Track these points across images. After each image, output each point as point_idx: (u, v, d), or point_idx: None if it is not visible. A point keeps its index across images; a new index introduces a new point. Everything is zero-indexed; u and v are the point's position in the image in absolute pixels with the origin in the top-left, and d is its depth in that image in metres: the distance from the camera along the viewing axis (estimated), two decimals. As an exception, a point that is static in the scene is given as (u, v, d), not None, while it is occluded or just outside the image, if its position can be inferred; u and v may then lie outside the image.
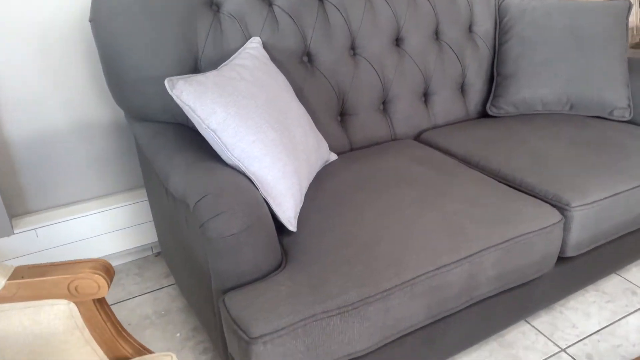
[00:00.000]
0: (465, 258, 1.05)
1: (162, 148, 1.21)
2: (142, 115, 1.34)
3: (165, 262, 1.88)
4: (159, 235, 1.66)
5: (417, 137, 1.66)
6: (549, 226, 1.15)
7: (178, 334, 1.53)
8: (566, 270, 1.32)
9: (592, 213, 1.19)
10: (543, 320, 1.55)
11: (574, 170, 1.29)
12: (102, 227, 1.69)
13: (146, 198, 1.73)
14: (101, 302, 0.84)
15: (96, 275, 0.79)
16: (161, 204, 1.39)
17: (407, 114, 1.63)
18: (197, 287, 1.22)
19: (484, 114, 1.76)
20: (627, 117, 1.59)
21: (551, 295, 1.35)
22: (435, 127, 1.68)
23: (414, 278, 1.00)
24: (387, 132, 1.60)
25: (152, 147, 1.25)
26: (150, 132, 1.31)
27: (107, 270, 0.82)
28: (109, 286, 0.81)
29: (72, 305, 0.81)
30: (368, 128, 1.57)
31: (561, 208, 1.19)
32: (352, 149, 1.55)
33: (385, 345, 1.07)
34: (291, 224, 1.10)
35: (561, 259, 1.28)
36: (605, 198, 1.20)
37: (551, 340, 1.47)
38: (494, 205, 1.18)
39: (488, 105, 1.71)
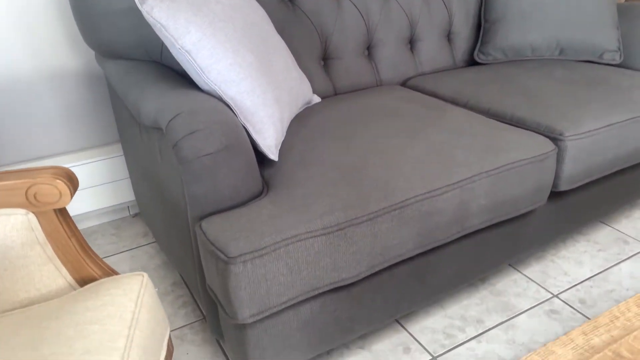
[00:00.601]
0: (456, 183, 1.00)
1: (134, 84, 1.14)
2: (114, 52, 1.26)
3: (143, 221, 1.81)
4: (135, 192, 1.58)
5: (404, 84, 1.60)
6: (542, 155, 1.10)
7: (156, 289, 1.46)
8: (559, 209, 1.27)
9: (585, 144, 1.15)
10: (534, 269, 1.51)
11: (567, 105, 1.24)
12: (76, 183, 1.61)
13: (122, 153, 1.66)
14: (64, 215, 0.77)
15: (57, 181, 0.72)
16: (136, 151, 1.32)
17: (392, 61, 1.57)
18: (175, 233, 1.15)
19: (471, 63, 1.71)
20: (617, 60, 1.55)
21: (543, 236, 1.31)
22: (421, 75, 1.62)
23: (403, 201, 0.95)
24: (373, 78, 1.54)
25: (124, 84, 1.17)
26: (122, 69, 1.23)
27: (70, 178, 0.75)
28: (71, 195, 0.74)
29: (32, 216, 0.74)
30: (353, 73, 1.51)
31: (554, 138, 1.14)
32: (336, 94, 1.49)
33: (373, 275, 1.02)
34: (272, 153, 1.04)
35: (554, 195, 1.24)
36: (599, 128, 1.16)
37: (543, 287, 1.43)
38: (485, 136, 1.13)
39: (476, 52, 1.66)
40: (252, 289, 0.84)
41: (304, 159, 1.06)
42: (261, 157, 1.10)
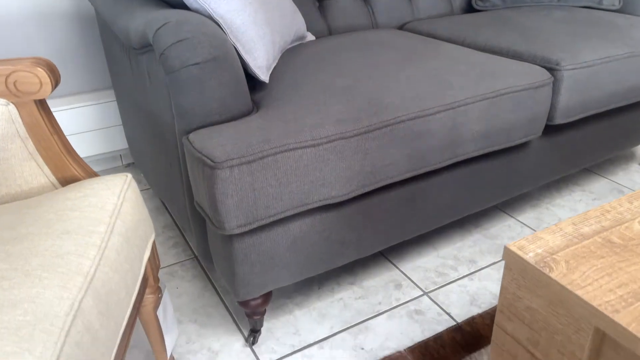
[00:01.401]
0: (449, 104, 0.98)
1: (124, 10, 1.11)
2: (103, -18, 1.24)
3: (136, 170, 1.79)
4: (128, 139, 1.56)
5: (400, 28, 1.58)
6: (538, 83, 1.08)
7: (147, 231, 1.44)
8: (554, 146, 1.26)
9: (582, 75, 1.13)
10: (529, 215, 1.50)
11: (565, 40, 1.22)
12: (66, 128, 1.59)
13: (114, 99, 1.63)
14: (46, 111, 0.75)
15: (38, 69, 0.70)
16: (126, 88, 1.30)
17: (389, 5, 1.55)
18: (163, 159, 1.13)
19: (469, 10, 1.68)
20: (617, 5, 1.53)
21: (538, 175, 1.29)
22: (418, 20, 1.60)
23: (394, 118, 0.93)
24: (368, 21, 1.52)
25: (113, 11, 1.15)
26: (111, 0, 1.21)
27: (51, 69, 0.73)
28: (52, 86, 0.72)
29: (12, 108, 0.72)
30: (348, 15, 1.49)
31: (551, 68, 1.12)
32: (331, 35, 1.47)
33: (364, 197, 1.00)
34: (262, 74, 1.02)
35: (550, 129, 1.22)
36: (597, 60, 1.14)
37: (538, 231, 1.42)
38: (480, 64, 1.11)
39: (473, -1, 1.63)
40: (239, 197, 0.83)
41: (295, 82, 1.04)
42: (252, 84, 1.08)
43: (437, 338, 1.09)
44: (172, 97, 0.90)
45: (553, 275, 0.57)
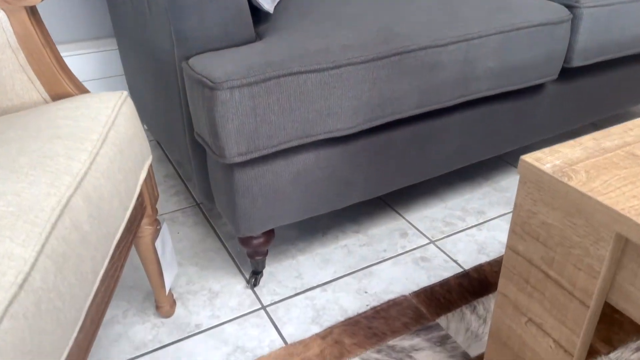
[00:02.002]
0: (462, 35, 0.94)
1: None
2: None
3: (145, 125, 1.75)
4: (130, 87, 1.52)
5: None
6: (556, 19, 1.03)
7: (149, 180, 1.42)
8: (569, 92, 1.21)
9: (602, 14, 1.07)
10: (540, 170, 1.45)
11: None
12: (68, 77, 1.55)
13: (116, 47, 1.59)
14: (38, 22, 0.71)
15: (27, -29, 0.66)
16: (127, 29, 1.25)
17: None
18: (163, 94, 1.10)
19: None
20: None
21: (549, 123, 1.24)
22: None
23: (404, 47, 0.89)
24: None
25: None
26: None
27: (42, -26, 0.69)
28: (44, -8, 0.68)
29: (2, 15, 0.68)
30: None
31: (570, 6, 1.07)
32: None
33: (371, 133, 0.96)
34: (267, 3, 0.98)
35: (566, 73, 1.17)
36: (618, -1, 1.09)
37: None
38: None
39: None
40: (240, 122, 0.79)
41: (301, 12, 1.00)
42: (257, 18, 1.04)
43: (444, 284, 1.06)
44: (172, 23, 0.86)
45: (572, 183, 0.54)
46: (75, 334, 0.51)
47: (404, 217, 1.25)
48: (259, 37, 0.94)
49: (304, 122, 0.85)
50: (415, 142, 1.03)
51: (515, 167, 1.45)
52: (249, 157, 0.83)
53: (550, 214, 0.57)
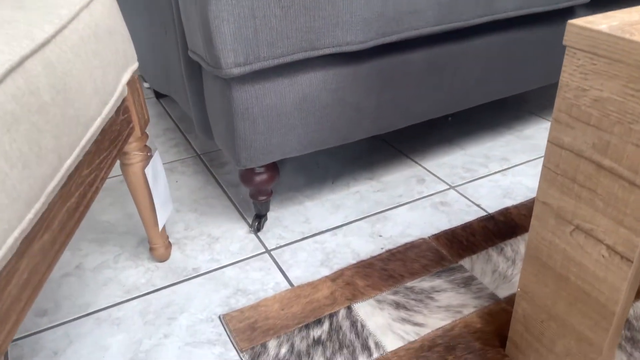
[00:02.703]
0: (486, -59, 0.84)
1: None
2: None
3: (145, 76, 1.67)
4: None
5: None
6: None
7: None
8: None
9: None
10: (567, 120, 1.35)
11: None
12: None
13: None
14: None
15: None
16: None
17: None
18: (159, 36, 1.01)
19: None
20: None
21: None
22: None
23: (422, -50, 0.79)
24: None
25: None
26: None
27: None
28: None
29: None
30: None
31: None
32: None
33: (384, 52, 0.87)
34: None
35: (597, 2, 1.07)
36: None
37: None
38: None
39: None
40: (237, 25, 0.70)
41: None
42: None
43: (466, 227, 0.96)
44: None
45: (637, 38, 0.44)
46: (31, 216, 0.42)
47: (420, 165, 1.16)
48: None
49: (309, 30, 0.75)
50: (433, 69, 0.93)
51: (540, 116, 1.34)
52: (248, 69, 0.74)
53: (606, 85, 0.47)
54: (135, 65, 0.70)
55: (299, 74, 0.80)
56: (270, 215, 1.01)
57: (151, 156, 0.80)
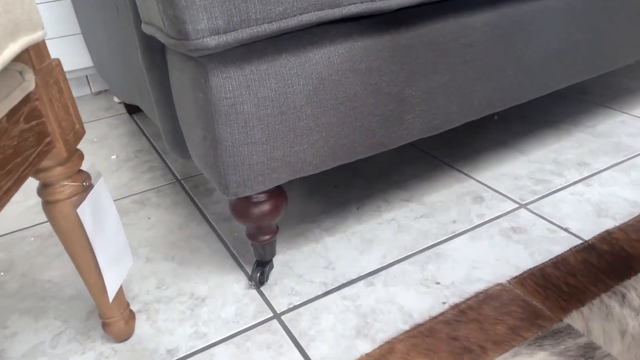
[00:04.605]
0: None
1: None
2: None
3: (109, 95, 1.38)
4: (88, 45, 1.17)
5: None
6: None
7: (114, 156, 1.05)
8: None
9: None
10: (645, 109, 1.07)
11: None
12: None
13: (71, -2, 1.25)
14: None
15: None
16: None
17: None
18: (115, 24, 0.74)
19: None
20: None
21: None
22: None
23: None
24: None
25: None
26: None
27: None
28: None
29: None
30: None
31: None
32: None
33: (433, 7, 0.59)
34: None
35: None
36: None
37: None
38: None
39: None
40: (210, -36, 0.43)
41: None
42: None
43: (559, 262, 0.67)
44: None
45: None
46: None
47: (472, 177, 0.87)
48: None
49: (326, -25, 0.47)
50: (500, 37, 0.65)
51: (611, 108, 1.06)
52: (231, 39, 0.46)
53: None
54: (40, 34, 0.42)
55: (312, 48, 0.52)
56: (277, 259, 0.72)
57: (90, 187, 0.52)
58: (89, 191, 0.51)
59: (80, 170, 0.52)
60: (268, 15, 0.47)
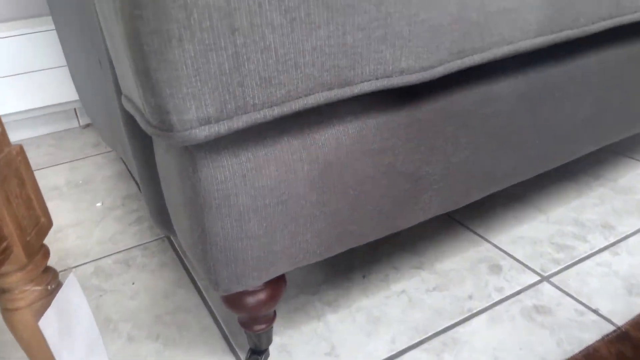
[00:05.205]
0: None
1: None
2: None
3: (96, 129, 1.32)
4: (74, 77, 1.10)
5: None
6: None
7: (99, 204, 0.98)
8: None
9: None
10: (668, 161, 1.01)
11: None
12: (-6, 70, 1.13)
13: (53, 27, 1.18)
14: None
15: None
16: (65, 10, 0.84)
17: None
18: (96, 74, 0.67)
19: None
20: None
21: None
22: None
23: None
24: None
25: None
26: None
27: None
28: None
29: None
30: None
31: None
32: None
33: (455, 77, 0.52)
34: None
35: None
36: None
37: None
38: None
39: None
40: (202, 46, 0.36)
41: None
42: None
43: (591, 355, 0.60)
44: None
45: None
46: None
47: (487, 240, 0.80)
48: None
49: (337, 50, 0.41)
50: (527, 106, 0.58)
51: (630, 157, 1.00)
52: (224, 128, 0.39)
53: None
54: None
55: (318, 128, 0.46)
56: (273, 342, 0.65)
57: (57, 288, 0.44)
58: (55, 294, 0.44)
59: (46, 269, 0.44)
60: (269, 99, 0.40)
